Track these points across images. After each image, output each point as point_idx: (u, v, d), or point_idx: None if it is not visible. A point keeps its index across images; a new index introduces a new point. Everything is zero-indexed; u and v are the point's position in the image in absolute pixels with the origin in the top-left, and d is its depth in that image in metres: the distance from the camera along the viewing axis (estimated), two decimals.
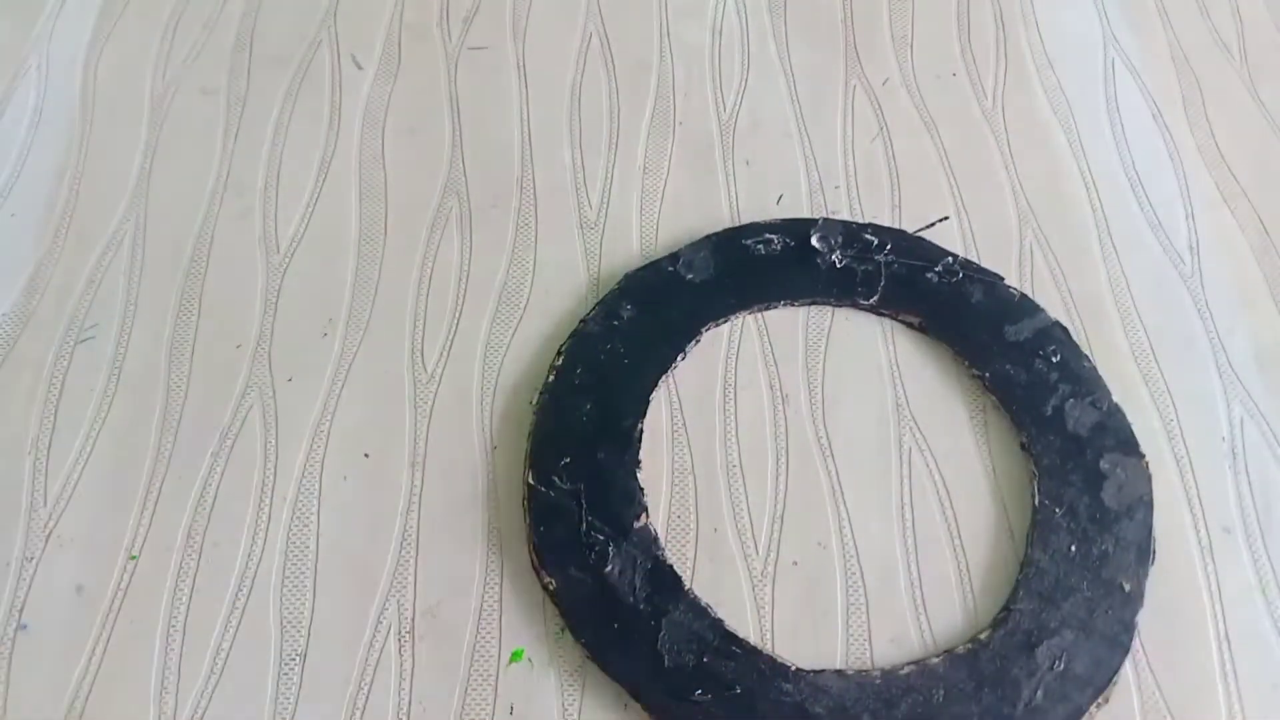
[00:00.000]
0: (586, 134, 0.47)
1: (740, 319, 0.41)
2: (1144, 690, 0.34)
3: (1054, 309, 0.41)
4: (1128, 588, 0.35)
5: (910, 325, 0.41)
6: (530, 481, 0.36)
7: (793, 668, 0.34)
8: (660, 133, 0.47)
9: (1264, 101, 0.48)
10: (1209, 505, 0.37)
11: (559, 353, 0.40)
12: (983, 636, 0.34)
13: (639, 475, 0.37)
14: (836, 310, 0.41)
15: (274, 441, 0.39)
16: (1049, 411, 0.38)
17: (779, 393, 0.40)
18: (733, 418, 0.39)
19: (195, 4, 0.52)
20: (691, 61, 0.49)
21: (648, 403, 0.39)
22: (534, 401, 0.38)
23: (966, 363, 0.40)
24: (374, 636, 0.35)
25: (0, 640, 0.35)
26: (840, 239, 0.42)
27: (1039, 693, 0.33)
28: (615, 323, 0.40)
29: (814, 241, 0.42)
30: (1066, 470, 0.37)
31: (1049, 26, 0.50)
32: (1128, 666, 0.34)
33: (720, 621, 0.34)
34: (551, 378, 0.39)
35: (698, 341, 0.40)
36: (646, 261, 0.42)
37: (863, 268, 0.42)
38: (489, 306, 0.42)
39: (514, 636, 0.35)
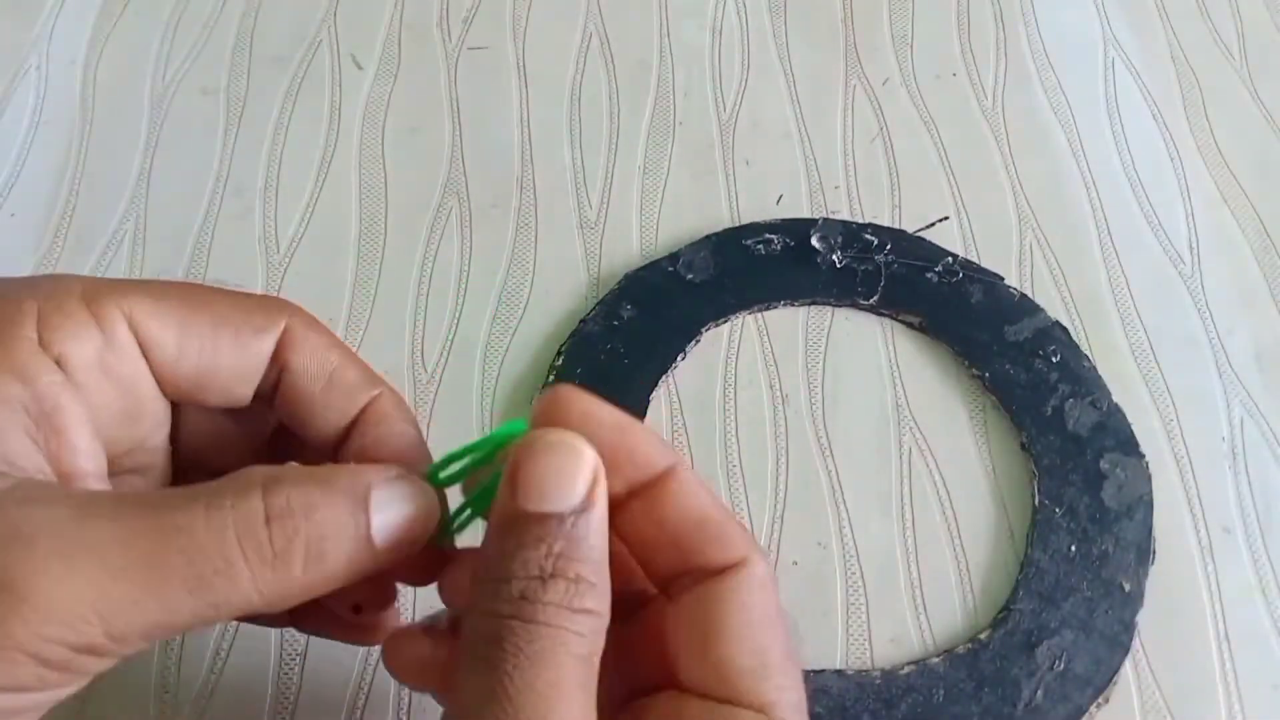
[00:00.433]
0: (586, 134, 0.47)
1: (740, 319, 0.41)
2: (1144, 690, 0.34)
3: (1054, 309, 0.41)
4: (1128, 588, 0.35)
5: (910, 325, 0.41)
6: None
7: None
8: (660, 133, 0.47)
9: (1264, 101, 0.48)
10: (1209, 505, 0.37)
11: (559, 353, 0.40)
12: (983, 636, 0.34)
13: None
14: (836, 310, 0.41)
15: None
16: (1049, 411, 0.38)
17: (779, 392, 0.40)
18: (733, 417, 0.39)
19: (195, 4, 0.52)
20: (691, 61, 0.49)
21: (648, 402, 0.39)
22: (534, 401, 0.38)
23: (966, 362, 0.40)
24: None
25: None
26: (840, 239, 0.42)
27: (1039, 692, 0.33)
28: (615, 323, 0.40)
29: (814, 241, 0.42)
30: (1066, 470, 0.37)
31: (1049, 26, 0.50)
32: (1128, 666, 0.34)
33: None
34: (551, 378, 0.39)
35: (698, 341, 0.41)
36: (646, 261, 0.42)
37: (863, 268, 0.42)
38: (489, 306, 0.42)
39: None
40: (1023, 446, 0.38)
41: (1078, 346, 0.40)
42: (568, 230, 0.44)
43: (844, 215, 0.44)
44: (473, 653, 0.20)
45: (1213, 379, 0.40)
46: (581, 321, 0.41)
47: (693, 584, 0.23)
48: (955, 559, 0.36)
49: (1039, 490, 0.37)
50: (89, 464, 0.21)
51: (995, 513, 0.37)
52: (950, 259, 0.42)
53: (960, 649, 0.34)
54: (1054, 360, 0.39)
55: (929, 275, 0.42)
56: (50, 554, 0.18)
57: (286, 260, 0.43)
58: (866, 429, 0.39)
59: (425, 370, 0.40)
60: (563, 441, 0.21)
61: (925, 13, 0.51)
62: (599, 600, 0.21)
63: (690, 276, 0.42)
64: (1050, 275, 0.42)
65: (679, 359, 0.40)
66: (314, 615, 0.26)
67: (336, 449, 0.25)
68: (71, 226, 0.44)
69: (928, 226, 0.43)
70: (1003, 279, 0.42)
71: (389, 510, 0.21)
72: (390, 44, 0.50)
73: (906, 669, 0.34)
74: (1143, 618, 0.34)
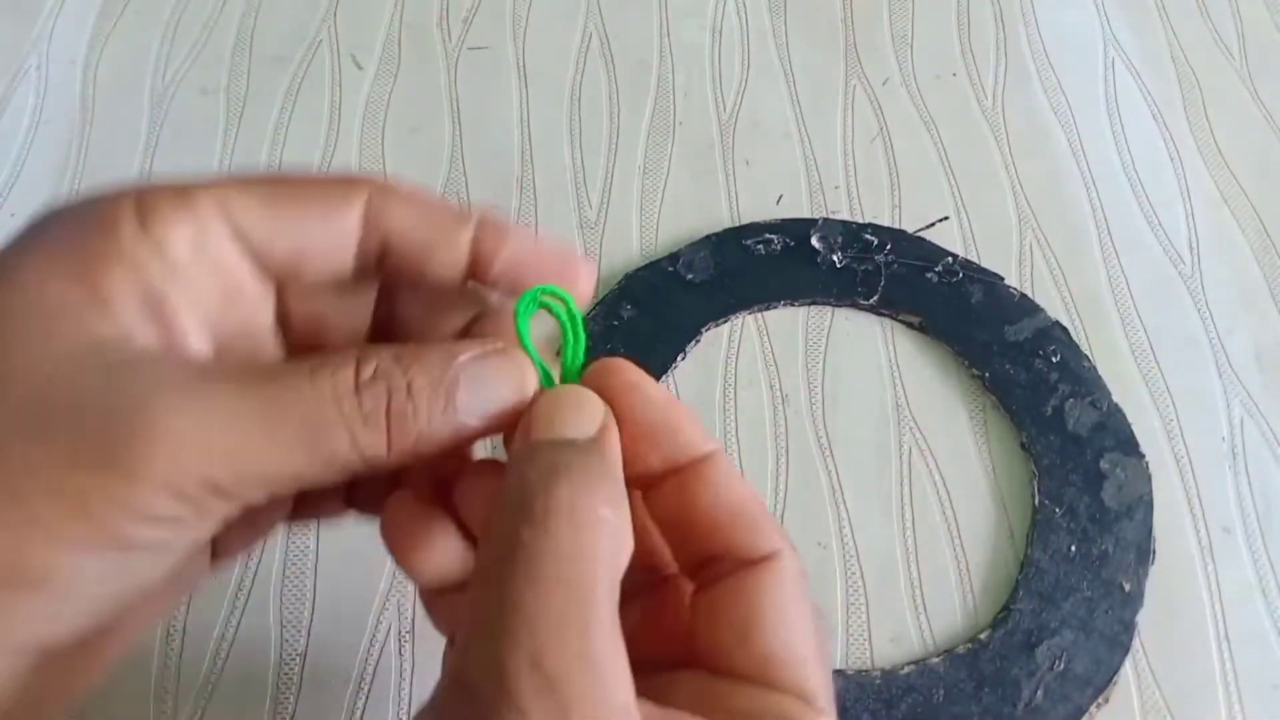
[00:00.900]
0: (586, 134, 0.47)
1: (740, 319, 0.41)
2: (1144, 690, 0.34)
3: (1054, 309, 0.41)
4: (1128, 588, 0.35)
5: (910, 325, 0.41)
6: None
7: None
8: (660, 133, 0.47)
9: (1264, 101, 0.48)
10: (1209, 505, 0.37)
11: (558, 353, 0.40)
12: (983, 636, 0.34)
13: None
14: (836, 310, 0.41)
15: None
16: (1049, 411, 0.38)
17: (779, 392, 0.40)
18: (733, 417, 0.39)
19: (195, 4, 0.52)
20: (691, 61, 0.49)
21: None
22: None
23: (966, 362, 0.40)
24: (374, 636, 0.35)
25: None
26: (840, 239, 0.42)
27: (1039, 692, 0.33)
28: (615, 323, 0.40)
29: (814, 241, 0.42)
30: (1066, 470, 0.37)
31: (1049, 26, 0.50)
32: (1128, 666, 0.34)
33: None
34: None
35: (698, 341, 0.41)
36: (646, 261, 0.42)
37: (863, 268, 0.42)
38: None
39: None
40: (1023, 446, 0.38)
41: (1077, 346, 0.40)
42: (568, 230, 0.44)
43: (844, 215, 0.44)
44: (484, 571, 0.21)
45: (1213, 379, 0.40)
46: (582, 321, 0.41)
47: (725, 573, 0.23)
48: (955, 559, 0.36)
49: (1039, 490, 0.37)
50: (199, 346, 0.22)
51: (995, 513, 0.37)
52: (950, 259, 0.42)
53: (960, 649, 0.34)
54: (1054, 360, 0.39)
55: (929, 275, 0.42)
56: (183, 398, 0.20)
57: None
58: (866, 429, 0.39)
59: None
60: (574, 388, 0.23)
61: (925, 13, 0.51)
62: (617, 516, 0.21)
63: (690, 276, 0.42)
64: (1050, 275, 0.42)
65: (679, 359, 0.40)
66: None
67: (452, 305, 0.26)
68: None
69: (928, 226, 0.43)
70: (1002, 279, 0.42)
71: (477, 385, 0.22)
72: (390, 44, 0.50)
73: (906, 669, 0.34)
74: (1143, 618, 0.34)
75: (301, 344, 0.26)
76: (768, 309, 0.41)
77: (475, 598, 0.21)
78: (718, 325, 0.41)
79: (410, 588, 0.35)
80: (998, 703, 0.33)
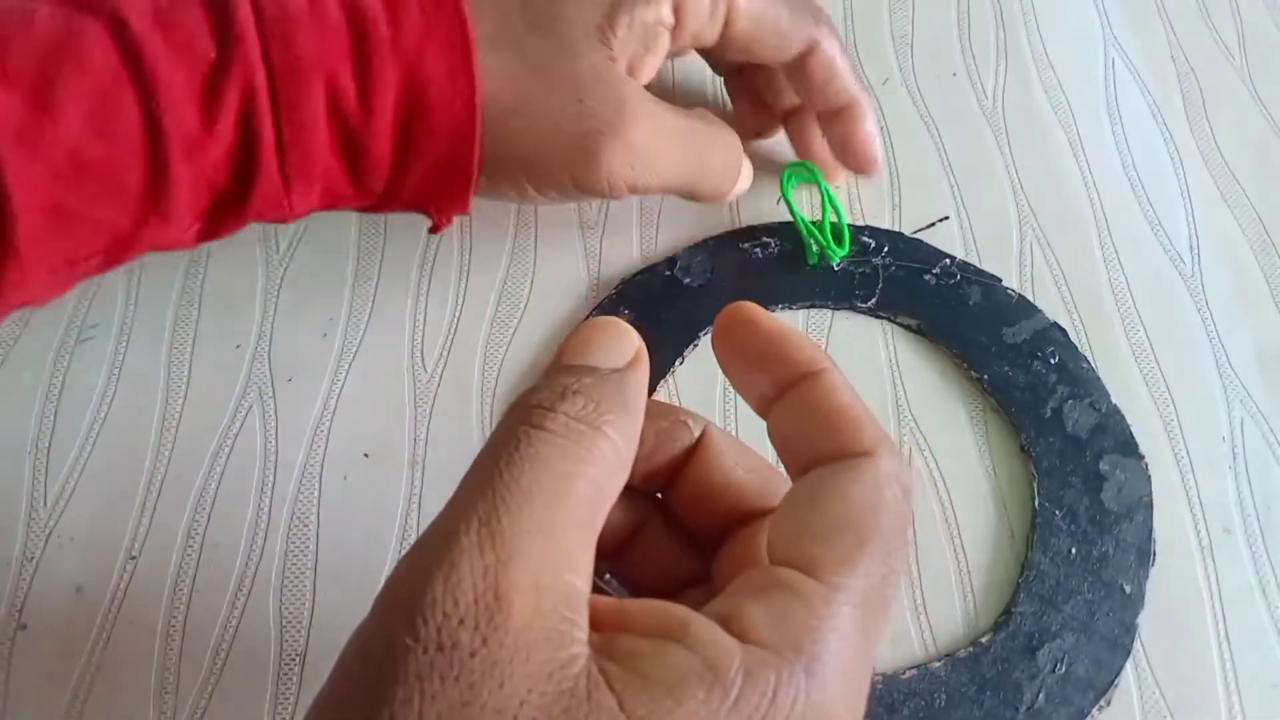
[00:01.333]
0: None
1: None
2: (1144, 690, 0.34)
3: (1054, 309, 0.41)
4: (1128, 589, 0.35)
5: (908, 327, 0.41)
6: None
7: None
8: None
9: (1264, 101, 0.48)
10: (1209, 505, 0.37)
11: (560, 353, 0.40)
12: (984, 640, 0.34)
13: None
14: (835, 313, 0.41)
15: (274, 441, 0.39)
16: (1048, 413, 0.38)
17: None
18: (733, 421, 0.39)
19: None
20: (690, 62, 0.49)
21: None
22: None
23: (965, 365, 0.40)
24: None
25: (0, 640, 0.35)
26: None
27: (1041, 696, 0.33)
28: None
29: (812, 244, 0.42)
30: (1066, 472, 0.37)
31: (1049, 26, 0.50)
32: (1128, 667, 0.34)
33: None
34: None
35: (696, 346, 0.40)
36: (645, 264, 0.42)
37: (860, 270, 0.42)
38: (488, 307, 0.42)
39: None
40: (1022, 449, 0.38)
41: (1076, 348, 0.40)
42: (567, 231, 0.44)
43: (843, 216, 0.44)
44: (479, 456, 0.22)
45: (1213, 379, 0.40)
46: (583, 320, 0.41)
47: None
48: (956, 561, 0.36)
49: (1039, 492, 0.37)
50: (649, 75, 0.37)
51: (995, 515, 0.37)
52: (948, 261, 0.42)
53: (961, 653, 0.34)
54: (1052, 362, 0.39)
55: (927, 277, 0.42)
56: (639, 92, 0.35)
57: (287, 260, 0.43)
58: None
59: (425, 370, 0.40)
60: (612, 320, 0.25)
61: (925, 13, 0.51)
62: (619, 433, 0.22)
63: (688, 280, 0.41)
64: (1050, 275, 0.42)
65: (677, 364, 0.40)
66: None
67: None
68: None
69: (928, 226, 0.43)
70: (1000, 281, 0.42)
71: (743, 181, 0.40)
72: None
73: (908, 673, 0.33)
74: (1143, 619, 0.34)
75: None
76: None
77: (460, 486, 0.22)
78: None
79: None
80: (999, 707, 0.33)
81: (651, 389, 0.39)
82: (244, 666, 0.34)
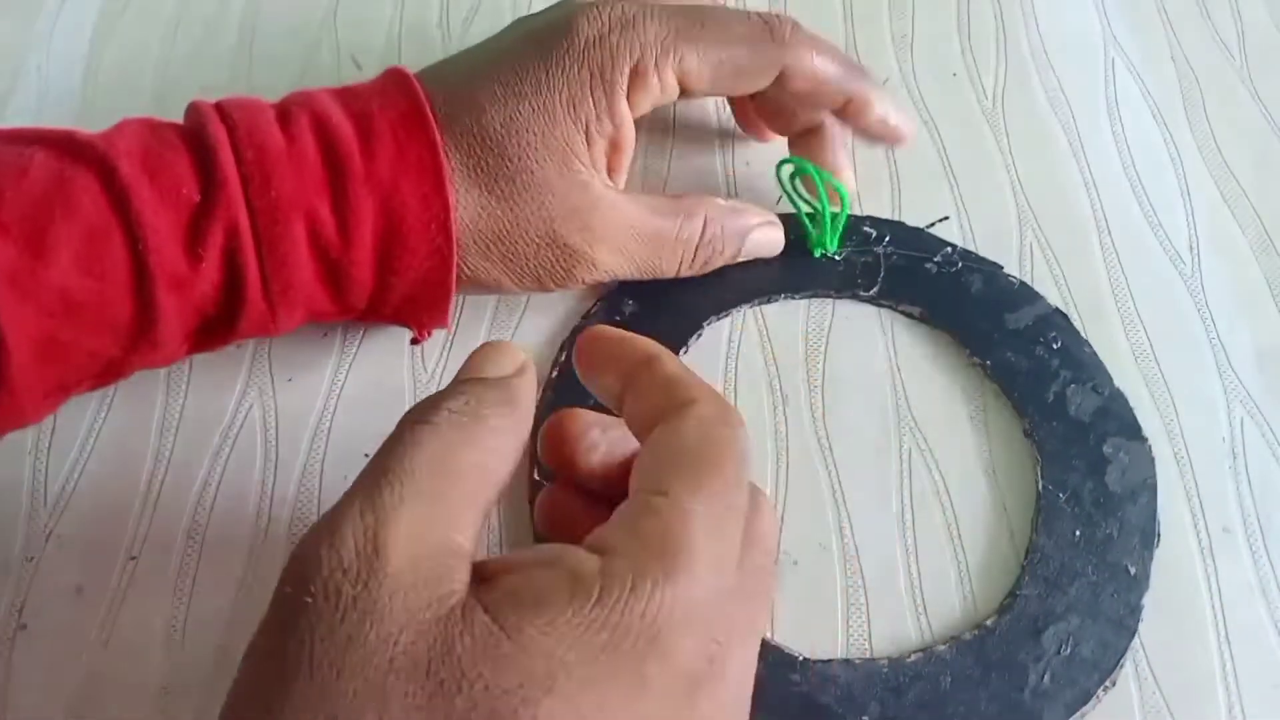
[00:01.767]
0: None
1: (741, 313, 0.41)
2: (1144, 689, 0.34)
3: None
4: (1133, 570, 0.35)
5: (910, 316, 0.41)
6: (535, 478, 0.36)
7: (800, 658, 0.34)
8: (660, 133, 0.47)
9: (1264, 101, 0.48)
10: (1209, 505, 0.37)
11: (561, 348, 0.40)
12: (989, 622, 0.34)
13: None
14: (837, 302, 0.41)
15: (274, 441, 0.39)
16: (1050, 398, 0.38)
17: (779, 385, 0.40)
18: (737, 407, 0.39)
19: (195, 4, 0.52)
20: None
21: None
22: (537, 398, 0.38)
23: (967, 351, 0.40)
24: None
25: (0, 640, 0.35)
26: None
27: (1046, 677, 0.33)
28: (617, 318, 0.40)
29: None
30: (1069, 456, 0.37)
31: (1049, 26, 0.50)
32: (1128, 665, 0.34)
33: None
34: (554, 374, 0.39)
35: (699, 336, 0.41)
36: None
37: (862, 259, 0.42)
38: (489, 306, 0.42)
39: None
40: (1025, 433, 0.38)
41: (1078, 332, 0.40)
42: None
43: None
44: (374, 453, 0.25)
45: (1213, 379, 0.40)
46: (583, 317, 0.41)
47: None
48: (956, 549, 0.36)
49: (1042, 476, 0.37)
50: (627, 163, 0.38)
51: (999, 499, 0.37)
52: (949, 249, 0.42)
53: (967, 635, 0.34)
54: (1054, 347, 0.40)
55: (928, 266, 0.42)
56: (612, 202, 0.37)
57: None
58: (868, 420, 0.39)
59: (425, 370, 0.40)
60: (501, 342, 0.28)
61: (925, 13, 0.51)
62: (503, 423, 0.26)
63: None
64: (1050, 275, 0.42)
65: (681, 353, 0.40)
66: None
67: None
68: None
69: (928, 226, 0.43)
70: (1002, 267, 0.42)
71: (756, 244, 0.41)
72: (390, 44, 0.50)
73: (913, 656, 0.34)
74: (1143, 620, 0.34)
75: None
76: (768, 302, 0.41)
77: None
78: (719, 319, 0.41)
79: None
80: (1005, 688, 0.33)
81: None
82: None
